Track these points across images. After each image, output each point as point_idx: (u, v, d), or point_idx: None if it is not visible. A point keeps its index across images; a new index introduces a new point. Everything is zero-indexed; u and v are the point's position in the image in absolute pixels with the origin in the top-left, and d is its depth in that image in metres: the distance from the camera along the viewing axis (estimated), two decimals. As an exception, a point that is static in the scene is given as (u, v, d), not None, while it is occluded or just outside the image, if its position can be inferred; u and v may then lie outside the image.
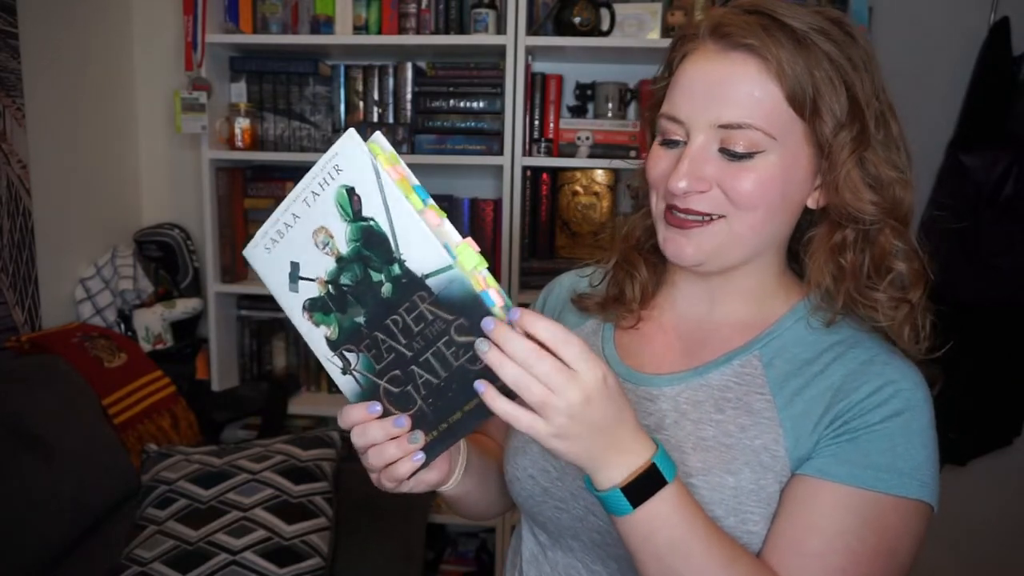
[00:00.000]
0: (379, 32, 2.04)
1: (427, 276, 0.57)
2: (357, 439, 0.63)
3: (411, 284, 0.58)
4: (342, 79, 2.15)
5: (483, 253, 0.58)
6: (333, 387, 2.27)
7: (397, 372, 0.61)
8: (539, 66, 2.14)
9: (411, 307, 0.59)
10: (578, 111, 2.14)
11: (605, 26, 1.95)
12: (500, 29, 1.99)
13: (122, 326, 2.10)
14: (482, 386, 0.57)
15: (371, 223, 0.58)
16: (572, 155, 2.05)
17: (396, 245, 0.58)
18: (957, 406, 2.05)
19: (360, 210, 0.59)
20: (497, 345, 0.55)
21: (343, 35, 2.04)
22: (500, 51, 1.97)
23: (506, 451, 0.81)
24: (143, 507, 1.55)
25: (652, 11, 1.94)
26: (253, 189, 2.19)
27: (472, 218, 2.16)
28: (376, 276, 0.59)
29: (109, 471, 1.67)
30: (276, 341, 2.28)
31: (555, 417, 0.55)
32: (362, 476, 0.68)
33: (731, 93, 0.65)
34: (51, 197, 1.94)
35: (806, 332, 0.72)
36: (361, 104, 2.15)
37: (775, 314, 0.74)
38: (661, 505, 0.60)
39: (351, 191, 0.58)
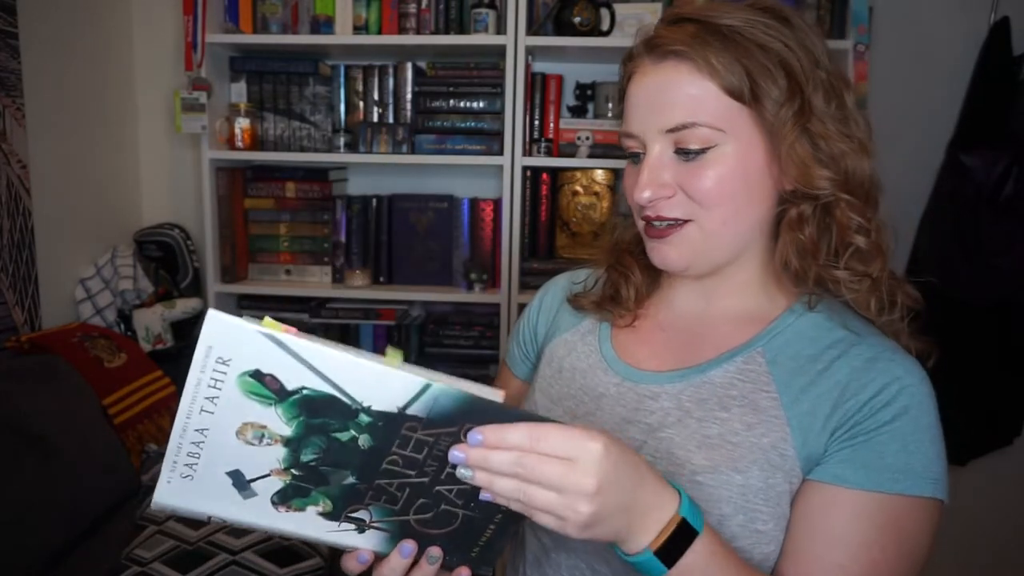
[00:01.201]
0: (379, 32, 2.04)
1: (406, 407, 0.50)
2: None
3: (391, 423, 0.51)
4: (342, 79, 2.14)
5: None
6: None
7: (423, 501, 0.55)
8: (539, 66, 2.14)
9: (403, 441, 0.51)
10: (578, 111, 2.14)
11: (605, 26, 1.95)
12: (500, 29, 1.99)
13: (122, 326, 2.10)
14: (489, 495, 0.53)
15: (304, 393, 0.49)
16: (572, 155, 2.05)
17: (350, 398, 0.49)
18: (957, 406, 2.05)
19: (282, 386, 0.49)
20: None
21: (343, 35, 2.04)
22: (500, 51, 1.97)
23: None
24: (143, 507, 1.55)
25: (652, 11, 1.94)
26: (253, 189, 2.19)
27: (472, 218, 2.16)
28: (344, 436, 0.51)
29: (109, 471, 1.67)
30: (276, 341, 2.27)
31: (576, 512, 0.53)
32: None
33: (670, 98, 0.68)
34: (51, 197, 1.94)
35: (808, 327, 0.72)
36: (361, 104, 2.15)
37: (774, 309, 0.75)
38: (695, 559, 0.58)
39: (257, 374, 0.49)
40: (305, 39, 2.05)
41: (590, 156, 2.04)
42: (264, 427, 0.50)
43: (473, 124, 2.07)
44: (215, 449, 0.51)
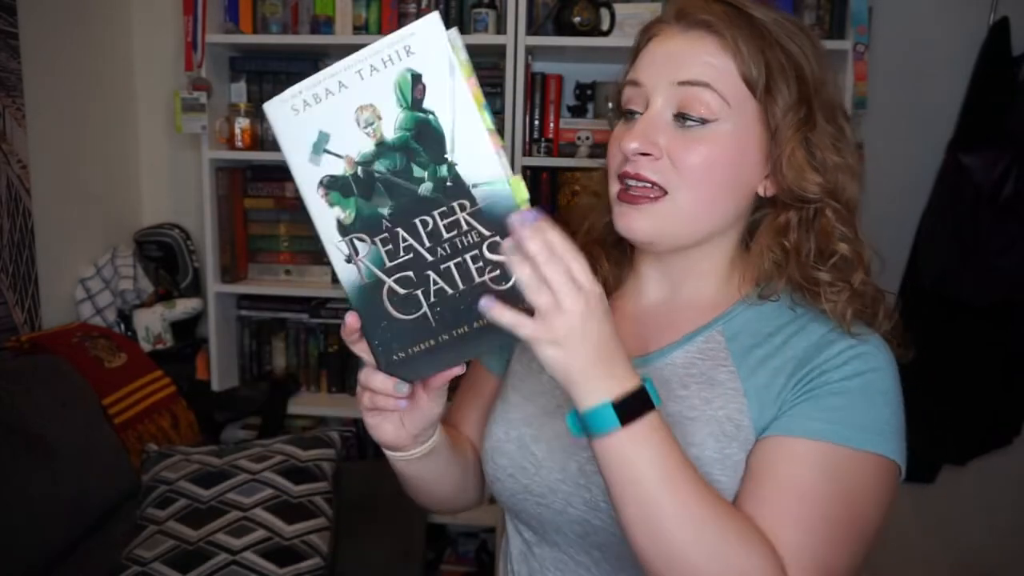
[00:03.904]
0: (379, 32, 2.04)
1: (476, 185, 0.56)
2: (364, 379, 0.65)
3: (456, 189, 0.57)
4: (342, 79, 2.14)
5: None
6: (333, 387, 2.27)
7: (409, 274, 0.59)
8: (539, 66, 2.14)
9: (447, 212, 0.57)
10: (578, 111, 2.14)
11: (605, 26, 1.95)
12: (500, 29, 1.99)
13: (122, 326, 2.10)
14: (488, 302, 0.57)
15: (429, 117, 0.56)
16: (572, 155, 2.05)
17: (452, 146, 0.56)
18: (957, 405, 2.05)
19: (421, 100, 0.56)
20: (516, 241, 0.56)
21: (343, 35, 2.04)
22: (500, 51, 1.97)
23: (484, 452, 0.82)
24: (143, 507, 1.55)
25: (652, 11, 1.94)
26: (253, 189, 2.19)
27: (472, 218, 2.16)
28: (419, 171, 0.57)
29: (109, 471, 1.67)
30: (276, 341, 2.27)
31: (556, 325, 0.56)
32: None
33: (690, 59, 0.69)
34: (51, 197, 1.94)
35: (768, 309, 0.74)
36: (361, 104, 2.15)
37: (735, 295, 0.76)
38: (648, 428, 0.59)
39: (417, 77, 0.55)
40: (305, 39, 2.05)
41: (590, 156, 2.04)
42: (380, 119, 0.57)
43: (473, 124, 2.07)
44: (333, 106, 0.57)
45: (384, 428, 0.68)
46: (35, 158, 1.87)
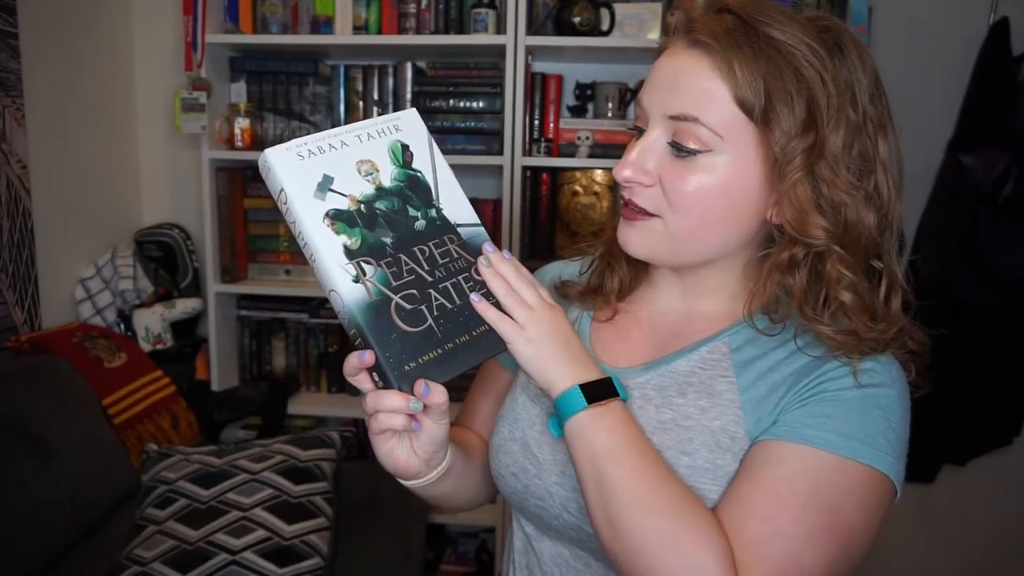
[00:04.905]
0: (379, 32, 2.04)
1: (459, 225, 0.72)
2: (374, 402, 0.64)
3: (444, 227, 0.71)
4: (342, 79, 2.15)
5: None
6: (333, 387, 2.27)
7: (414, 291, 0.67)
8: (539, 66, 2.14)
9: (440, 243, 0.70)
10: (578, 111, 2.14)
11: (605, 26, 1.95)
12: (500, 29, 1.99)
13: (122, 326, 2.10)
14: (477, 297, 0.68)
15: (418, 175, 0.71)
16: (572, 155, 2.05)
17: (437, 196, 0.72)
18: (957, 406, 2.05)
19: (410, 162, 0.71)
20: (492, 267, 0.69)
21: (343, 35, 2.04)
22: (500, 51, 1.97)
23: (491, 447, 0.83)
24: (143, 507, 1.55)
25: (652, 11, 1.94)
26: (253, 189, 2.19)
27: (472, 218, 2.16)
28: (413, 212, 0.70)
29: (109, 471, 1.67)
30: (276, 341, 2.28)
31: (529, 324, 0.67)
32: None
33: (683, 85, 0.67)
34: (51, 197, 1.94)
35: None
36: (361, 104, 2.15)
37: (745, 312, 0.74)
38: (612, 413, 0.65)
39: (405, 147, 0.71)
40: (305, 39, 2.05)
41: (590, 156, 2.04)
42: (377, 170, 0.69)
43: (473, 124, 2.07)
44: (337, 157, 0.68)
45: (397, 453, 0.68)
46: (35, 158, 1.88)
